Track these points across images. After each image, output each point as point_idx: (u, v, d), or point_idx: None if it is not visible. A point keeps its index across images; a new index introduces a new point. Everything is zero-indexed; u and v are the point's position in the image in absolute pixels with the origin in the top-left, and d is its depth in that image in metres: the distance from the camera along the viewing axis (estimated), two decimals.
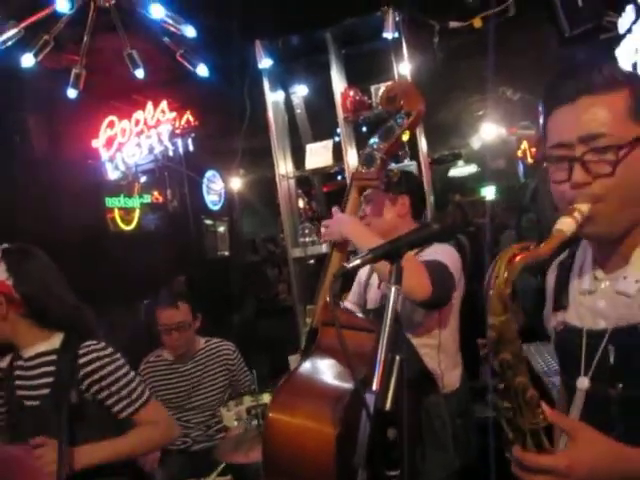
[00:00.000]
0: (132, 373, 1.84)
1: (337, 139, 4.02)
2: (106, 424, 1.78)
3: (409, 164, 3.58)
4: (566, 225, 0.99)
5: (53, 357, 1.75)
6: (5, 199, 4.03)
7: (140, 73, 3.04)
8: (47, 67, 3.30)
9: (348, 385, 1.56)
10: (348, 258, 1.96)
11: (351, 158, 3.62)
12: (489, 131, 6.78)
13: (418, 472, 1.87)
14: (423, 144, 3.54)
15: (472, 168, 8.47)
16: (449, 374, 2.12)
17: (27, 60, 2.80)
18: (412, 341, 2.06)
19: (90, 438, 1.72)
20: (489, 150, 6.91)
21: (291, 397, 1.60)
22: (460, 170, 8.61)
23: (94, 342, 1.77)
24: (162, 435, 1.88)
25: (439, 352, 2.06)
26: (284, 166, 3.83)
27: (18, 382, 1.78)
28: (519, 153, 7.45)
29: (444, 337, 2.09)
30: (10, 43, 2.62)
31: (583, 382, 1.08)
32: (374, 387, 1.12)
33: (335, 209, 2.00)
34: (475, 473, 2.08)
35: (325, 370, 1.69)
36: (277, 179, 3.76)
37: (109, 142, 4.87)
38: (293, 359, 3.16)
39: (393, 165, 3.42)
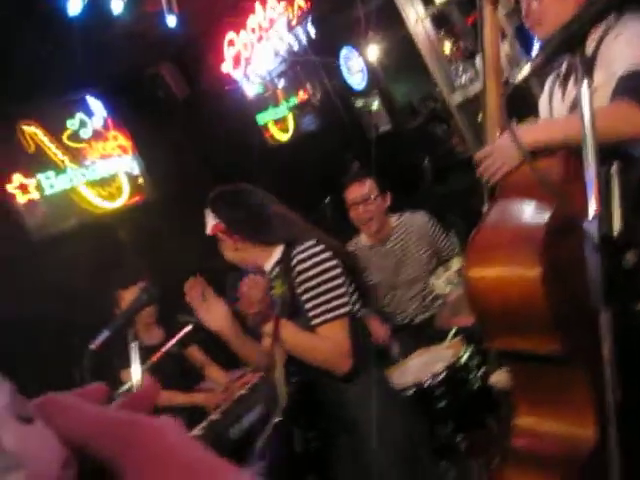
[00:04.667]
0: (339, 281, 1.78)
1: None
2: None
3: None
4: None
5: (280, 266, 1.86)
6: (171, 150, 4.28)
7: None
8: (152, 11, 3.28)
9: (542, 219, 1.34)
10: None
11: None
12: None
13: None
14: None
15: None
16: None
17: (117, 5, 2.78)
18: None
19: None
20: None
21: (483, 249, 1.45)
22: None
23: (309, 243, 1.80)
24: (330, 354, 1.77)
25: None
26: (413, 10, 3.41)
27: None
28: None
29: None
30: None
31: None
32: (591, 212, 0.90)
33: (483, 150, 1.66)
34: None
35: (512, 211, 1.49)
36: (410, 26, 3.37)
37: (237, 60, 4.83)
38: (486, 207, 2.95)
39: None
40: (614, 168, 0.88)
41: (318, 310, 1.76)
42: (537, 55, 0.98)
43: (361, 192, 3.12)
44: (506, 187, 1.57)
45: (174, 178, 4.45)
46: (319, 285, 1.76)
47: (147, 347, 2.87)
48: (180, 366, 3.17)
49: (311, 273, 1.76)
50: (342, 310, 1.77)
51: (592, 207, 0.92)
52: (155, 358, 2.43)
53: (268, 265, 1.91)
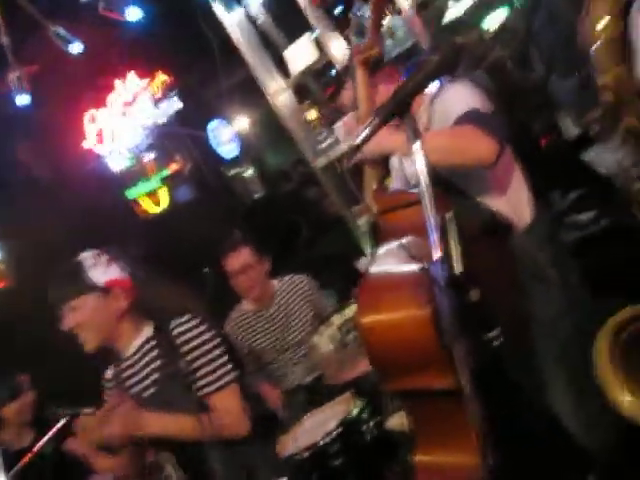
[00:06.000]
0: (221, 350, 1.80)
1: (315, 34, 3.72)
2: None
3: (391, 20, 3.24)
4: None
5: (152, 343, 1.81)
6: (35, 233, 4.06)
7: (77, 47, 2.85)
8: (7, 91, 3.16)
9: (420, 262, 1.44)
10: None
11: (336, 47, 3.32)
12: None
13: (526, 317, 1.75)
14: None
15: (466, 2, 7.74)
16: (520, 208, 1.94)
17: None
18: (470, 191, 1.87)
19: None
20: None
21: (373, 296, 1.52)
22: (454, 11, 7.91)
23: (184, 317, 1.79)
24: (231, 425, 1.78)
25: (501, 191, 1.88)
26: (273, 83, 3.60)
27: (129, 382, 1.84)
28: None
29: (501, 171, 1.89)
30: None
31: None
32: (435, 256, 0.99)
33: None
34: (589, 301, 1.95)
35: (395, 257, 1.58)
36: (271, 98, 3.55)
37: (100, 137, 4.75)
38: (361, 263, 3.10)
39: None
40: (448, 215, 0.99)
41: (207, 379, 1.75)
42: (372, 119, 1.09)
43: (239, 261, 3.12)
44: (388, 233, 1.66)
45: (40, 262, 4.19)
46: (203, 355, 1.76)
47: (17, 451, 2.59)
48: (58, 466, 2.88)
49: (193, 344, 1.76)
50: (231, 376, 1.80)
51: (435, 252, 1.01)
52: (23, 462, 2.20)
53: (131, 349, 1.84)
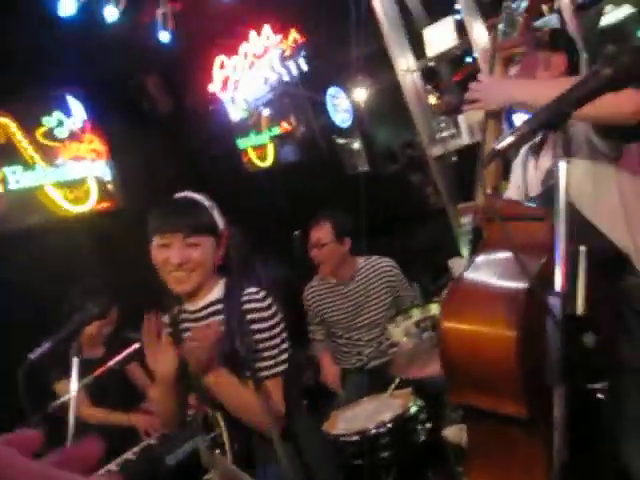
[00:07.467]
0: (282, 337, 1.70)
1: (458, 17, 3.56)
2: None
3: (548, 19, 3.03)
4: None
5: (219, 306, 1.72)
6: (147, 161, 4.23)
7: None
8: (147, 22, 3.27)
9: (523, 283, 1.35)
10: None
11: (478, 33, 3.16)
12: None
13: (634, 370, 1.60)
14: None
15: (625, 10, 7.14)
16: None
17: (110, 12, 2.76)
18: (592, 220, 1.72)
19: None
20: None
21: (462, 303, 1.44)
22: (612, 16, 7.32)
23: (255, 290, 1.69)
24: (268, 413, 1.61)
25: (629, 226, 1.71)
26: (404, 60, 3.49)
27: (187, 333, 1.78)
28: None
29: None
30: None
31: None
32: (557, 287, 0.90)
33: (482, 74, 1.77)
34: None
35: (495, 269, 1.49)
36: (399, 76, 3.45)
37: (225, 83, 4.84)
38: (453, 263, 2.98)
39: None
40: (583, 249, 0.89)
41: (276, 360, 1.68)
42: (521, 126, 0.99)
43: (315, 235, 3.19)
44: (492, 242, 1.57)
45: (146, 189, 4.37)
46: (277, 335, 1.68)
47: (86, 360, 2.76)
48: (121, 384, 3.06)
49: (266, 325, 1.66)
50: (284, 366, 1.70)
51: (558, 282, 0.92)
52: (98, 372, 2.34)
53: (200, 303, 1.76)
